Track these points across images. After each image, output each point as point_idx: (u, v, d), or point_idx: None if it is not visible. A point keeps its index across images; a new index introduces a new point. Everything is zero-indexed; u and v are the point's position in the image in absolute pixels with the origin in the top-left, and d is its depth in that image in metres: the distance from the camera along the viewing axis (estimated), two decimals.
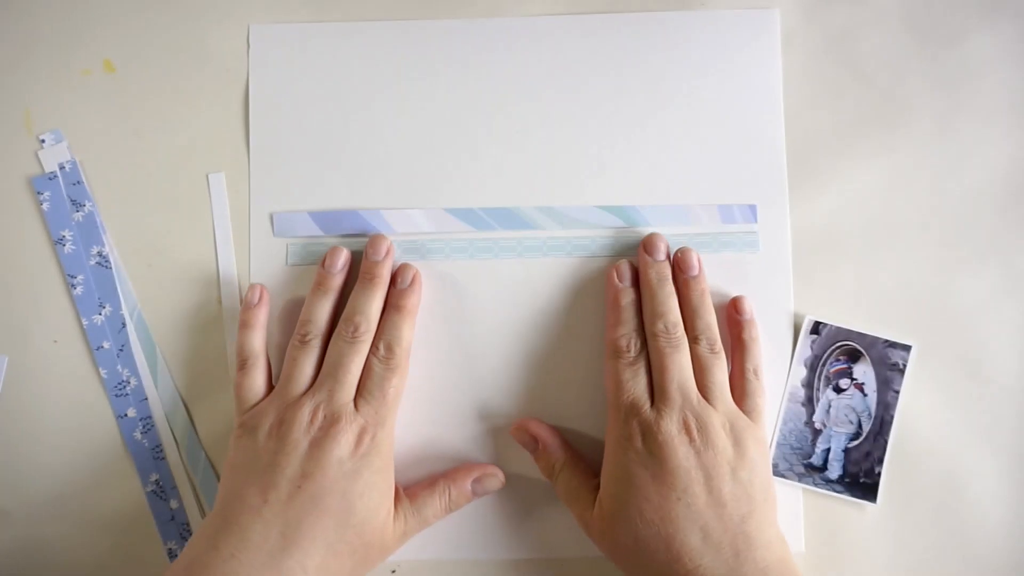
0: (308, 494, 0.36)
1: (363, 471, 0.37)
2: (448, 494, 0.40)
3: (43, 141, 0.44)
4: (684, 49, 0.44)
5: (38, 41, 0.45)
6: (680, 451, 0.36)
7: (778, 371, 0.43)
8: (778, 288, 0.43)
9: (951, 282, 0.43)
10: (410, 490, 0.40)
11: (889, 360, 0.42)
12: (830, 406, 0.42)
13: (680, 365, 0.38)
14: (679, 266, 0.41)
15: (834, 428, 0.42)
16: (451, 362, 0.43)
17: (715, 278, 0.43)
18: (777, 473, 0.42)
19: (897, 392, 0.42)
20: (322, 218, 0.43)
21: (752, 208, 0.44)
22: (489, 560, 0.42)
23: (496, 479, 0.41)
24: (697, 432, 0.36)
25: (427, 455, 0.42)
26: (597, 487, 0.39)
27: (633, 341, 0.39)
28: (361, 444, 0.37)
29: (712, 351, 0.39)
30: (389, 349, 0.39)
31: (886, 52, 0.45)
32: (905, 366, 0.42)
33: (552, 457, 0.40)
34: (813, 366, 0.43)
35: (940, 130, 0.44)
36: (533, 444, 0.41)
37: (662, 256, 0.41)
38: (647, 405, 0.38)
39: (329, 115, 0.44)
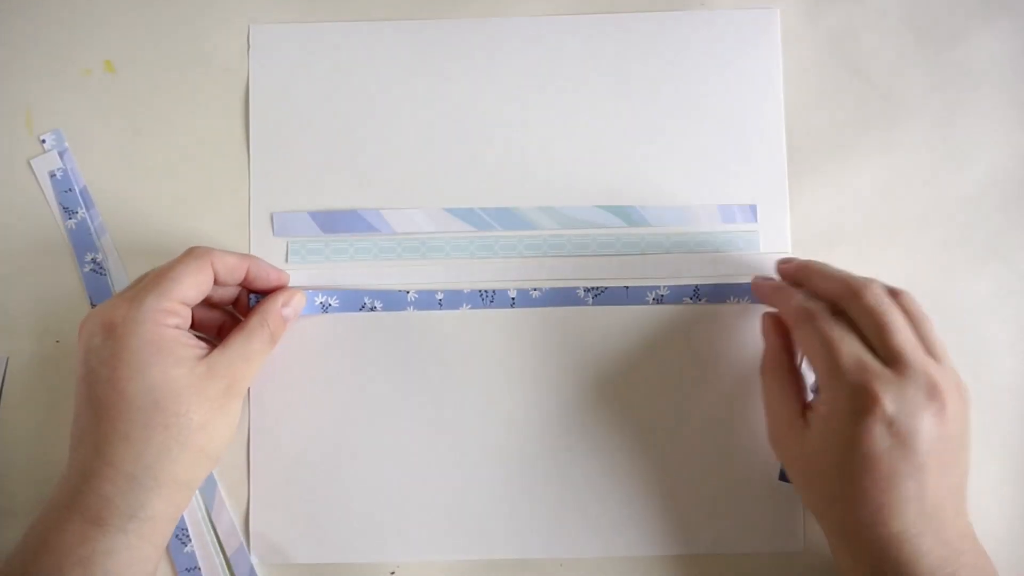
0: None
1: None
2: (267, 326, 0.39)
3: (44, 142, 0.44)
4: (684, 49, 0.44)
5: (39, 41, 0.45)
6: (927, 423, 0.33)
7: None
8: None
9: (951, 282, 0.43)
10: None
11: None
12: None
13: (902, 322, 0.35)
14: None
15: None
16: (451, 360, 0.43)
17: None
18: (781, 476, 0.42)
19: None
20: (322, 218, 0.43)
21: (752, 208, 0.44)
22: (489, 560, 0.42)
23: (301, 296, 0.41)
24: (940, 397, 0.33)
25: (432, 449, 0.42)
26: (803, 406, 0.37)
27: (816, 302, 0.36)
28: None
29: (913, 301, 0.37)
30: None
31: (886, 52, 0.45)
32: None
33: (774, 358, 0.39)
34: None
35: (940, 130, 0.44)
36: (768, 336, 0.40)
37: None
38: (878, 366, 0.34)
39: (329, 115, 0.44)
